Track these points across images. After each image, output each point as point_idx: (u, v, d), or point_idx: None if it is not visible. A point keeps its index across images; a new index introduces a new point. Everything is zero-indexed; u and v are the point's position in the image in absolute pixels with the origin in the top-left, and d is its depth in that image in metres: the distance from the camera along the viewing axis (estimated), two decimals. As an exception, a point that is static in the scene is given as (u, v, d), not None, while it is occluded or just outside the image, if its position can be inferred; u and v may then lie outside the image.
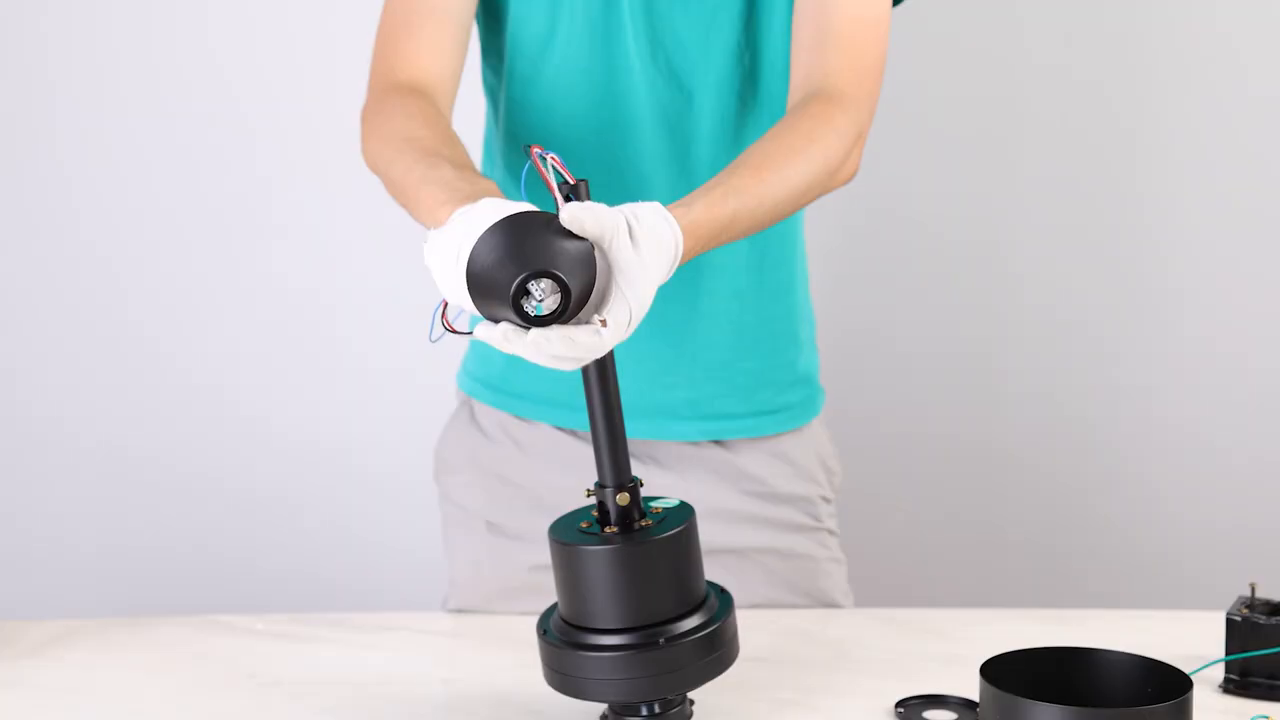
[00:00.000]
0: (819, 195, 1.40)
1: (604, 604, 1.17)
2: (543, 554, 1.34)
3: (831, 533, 1.69)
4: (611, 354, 1.19)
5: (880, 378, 2.38)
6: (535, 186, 1.25)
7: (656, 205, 1.18)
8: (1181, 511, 2.39)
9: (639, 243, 1.14)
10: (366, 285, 2.37)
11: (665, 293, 1.53)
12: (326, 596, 2.35)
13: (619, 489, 1.19)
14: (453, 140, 1.39)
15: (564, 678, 1.20)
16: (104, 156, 2.35)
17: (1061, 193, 2.35)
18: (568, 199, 1.15)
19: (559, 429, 1.62)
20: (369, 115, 1.47)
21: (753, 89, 1.55)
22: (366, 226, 2.32)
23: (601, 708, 1.25)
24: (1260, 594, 1.33)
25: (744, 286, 1.59)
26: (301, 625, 1.52)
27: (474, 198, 1.20)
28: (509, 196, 1.38)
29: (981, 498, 2.42)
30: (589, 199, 1.15)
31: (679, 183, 1.53)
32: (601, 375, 1.19)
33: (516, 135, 1.57)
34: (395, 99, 1.45)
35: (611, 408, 1.19)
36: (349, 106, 2.04)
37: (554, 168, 1.15)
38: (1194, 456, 2.38)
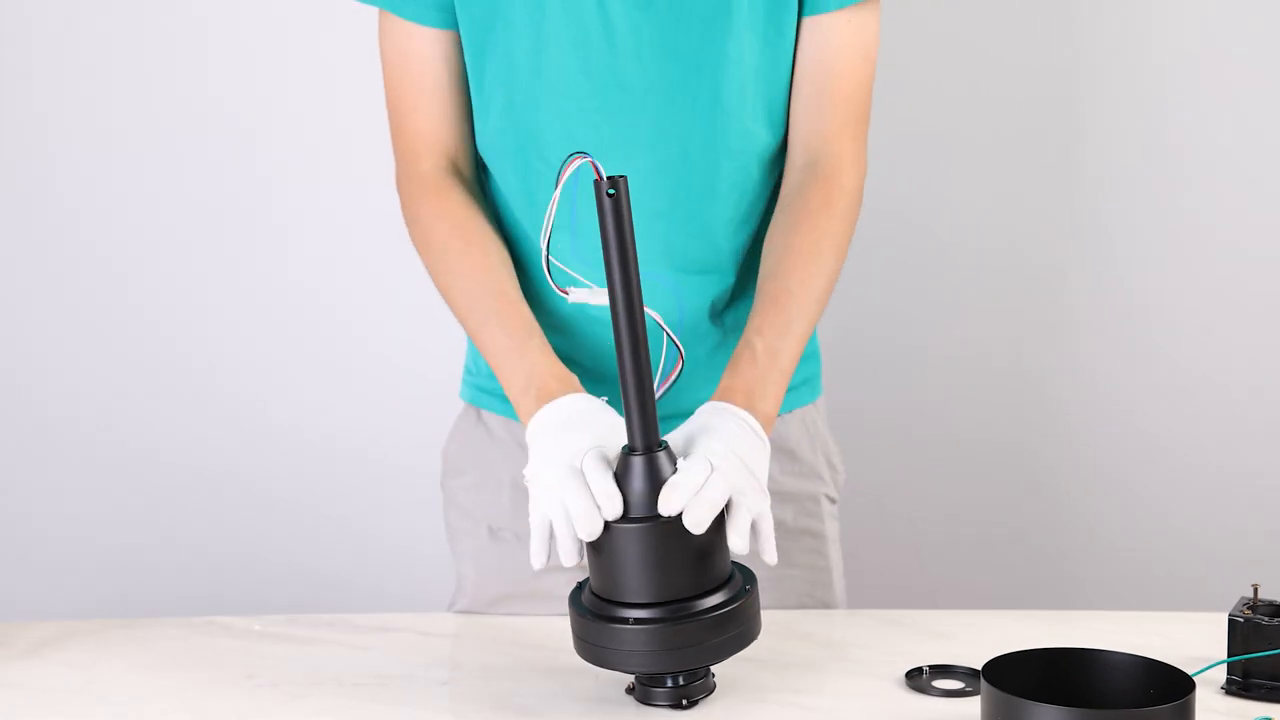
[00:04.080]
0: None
1: (635, 579, 1.22)
2: (547, 559, 1.35)
3: (833, 534, 1.68)
4: (644, 322, 1.21)
5: (881, 379, 2.38)
6: (567, 189, 1.26)
7: (735, 419, 1.32)
8: (1184, 512, 2.39)
9: (749, 465, 1.28)
10: (371, 284, 2.37)
11: (695, 310, 1.56)
12: (329, 597, 2.35)
13: (648, 452, 1.22)
14: (492, 250, 1.51)
15: (596, 649, 1.25)
16: (107, 156, 2.34)
17: (1062, 194, 2.34)
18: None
19: None
20: (408, 201, 1.56)
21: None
22: (372, 227, 2.32)
23: (629, 678, 1.30)
24: (1263, 595, 1.33)
25: None
26: (300, 626, 1.52)
27: (547, 392, 1.36)
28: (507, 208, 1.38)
29: (982, 498, 2.41)
30: (628, 198, 1.18)
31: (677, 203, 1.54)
32: (634, 338, 1.21)
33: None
34: (432, 196, 1.53)
35: (642, 372, 1.22)
36: (359, 108, 2.06)
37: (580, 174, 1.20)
38: (1196, 457, 2.38)
